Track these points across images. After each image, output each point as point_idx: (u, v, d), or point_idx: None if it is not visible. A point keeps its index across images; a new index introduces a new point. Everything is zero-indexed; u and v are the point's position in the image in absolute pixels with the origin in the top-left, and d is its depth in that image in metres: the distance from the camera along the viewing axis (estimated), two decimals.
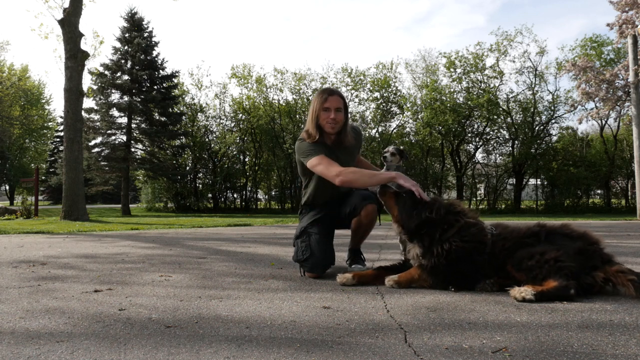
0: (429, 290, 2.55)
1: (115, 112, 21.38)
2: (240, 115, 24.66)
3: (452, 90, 22.84)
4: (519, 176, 22.33)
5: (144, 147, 22.86)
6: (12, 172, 40.39)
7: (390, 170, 3.18)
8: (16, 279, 3.03)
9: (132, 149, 21.97)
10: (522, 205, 22.72)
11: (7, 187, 43.60)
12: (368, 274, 2.78)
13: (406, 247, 2.76)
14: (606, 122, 22.17)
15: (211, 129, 25.26)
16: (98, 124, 21.22)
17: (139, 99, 21.27)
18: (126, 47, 21.95)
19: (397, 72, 26.70)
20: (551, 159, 22.07)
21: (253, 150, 25.08)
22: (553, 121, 22.47)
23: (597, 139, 23.35)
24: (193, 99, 25.09)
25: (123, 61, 21.93)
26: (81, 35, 12.21)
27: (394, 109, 23.79)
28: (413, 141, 23.45)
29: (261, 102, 24.39)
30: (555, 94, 22.15)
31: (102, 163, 21.08)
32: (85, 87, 12.93)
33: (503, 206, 22.78)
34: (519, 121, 22.57)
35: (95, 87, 20.71)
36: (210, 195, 25.76)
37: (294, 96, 24.20)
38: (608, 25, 14.23)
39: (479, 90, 22.23)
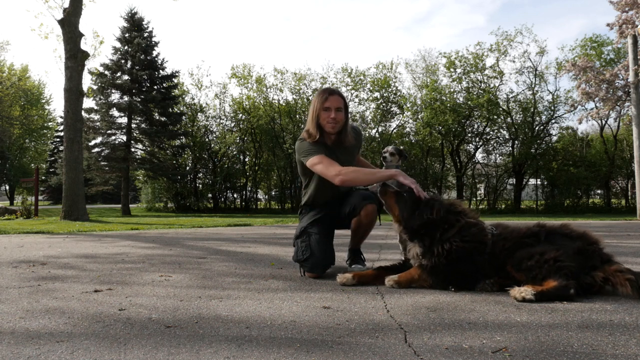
0: (429, 290, 2.55)
1: (115, 112, 21.38)
2: (240, 115, 24.66)
3: (452, 90, 22.85)
4: (519, 176, 22.33)
5: (144, 147, 22.86)
6: (12, 172, 40.39)
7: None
8: (16, 279, 3.03)
9: (132, 149, 21.98)
10: (522, 205, 22.72)
11: (7, 187, 43.60)
12: (368, 274, 2.78)
13: (406, 246, 2.76)
14: (606, 122, 22.19)
15: (211, 129, 25.27)
16: (98, 124, 21.22)
17: (139, 99, 21.27)
18: (126, 47, 21.95)
19: (397, 72, 26.73)
20: (551, 159, 22.07)
21: (253, 150, 25.08)
22: (553, 121, 22.50)
23: (597, 139, 23.35)
24: (193, 99, 25.11)
25: (123, 61, 21.93)
26: (81, 35, 12.22)
27: (394, 109, 23.79)
28: (413, 141, 23.45)
29: (261, 102, 24.39)
30: (555, 94, 22.18)
31: (102, 163, 21.09)
32: (85, 87, 12.94)
33: (503, 206, 22.78)
34: (519, 121, 22.57)
35: (95, 87, 20.71)
36: (210, 195, 25.76)
37: (294, 96, 24.22)
38: (608, 25, 14.23)
39: (479, 90, 22.23)
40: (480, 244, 2.48)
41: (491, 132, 23.28)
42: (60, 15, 12.12)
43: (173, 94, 23.03)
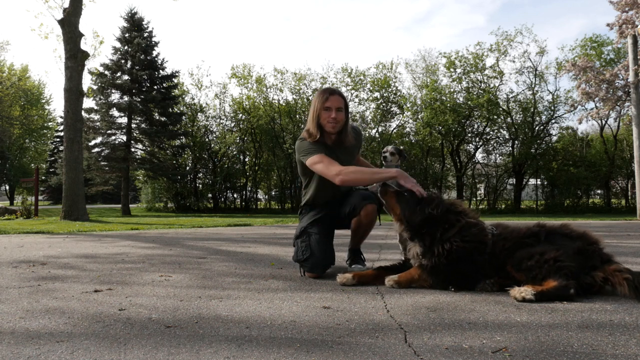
0: (429, 290, 2.55)
1: (115, 112, 21.38)
2: (240, 115, 24.66)
3: (452, 90, 22.85)
4: (519, 176, 22.33)
5: (144, 147, 22.86)
6: (12, 172, 40.40)
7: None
8: (16, 279, 3.03)
9: (132, 149, 21.98)
10: (522, 205, 22.72)
11: (7, 187, 43.61)
12: (368, 274, 2.78)
13: (406, 246, 2.76)
14: (606, 122, 22.19)
15: (211, 129, 25.27)
16: (98, 124, 21.22)
17: (139, 99, 21.27)
18: (126, 47, 21.95)
19: (397, 72, 26.73)
20: (551, 159, 22.07)
21: (253, 150, 25.08)
22: (553, 121, 22.49)
23: (597, 139, 23.35)
24: (193, 99, 25.11)
25: (123, 61, 21.93)
26: (81, 35, 12.22)
27: (394, 109, 23.79)
28: (413, 141, 23.45)
29: (261, 102, 24.39)
30: (555, 94, 22.18)
31: (102, 163, 21.08)
32: (85, 87, 12.94)
33: (503, 206, 22.78)
34: (519, 121, 22.57)
35: (95, 87, 20.72)
36: (210, 195, 25.76)
37: (294, 96, 24.22)
38: (608, 25, 14.23)
39: (479, 90, 22.23)
40: (481, 244, 2.48)
41: (491, 132, 23.29)
42: (60, 15, 12.13)
43: (173, 94, 23.03)
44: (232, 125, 25.11)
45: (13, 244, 5.47)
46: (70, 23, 11.95)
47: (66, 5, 12.15)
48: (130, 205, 22.35)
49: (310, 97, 23.15)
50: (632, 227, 8.78)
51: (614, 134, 22.10)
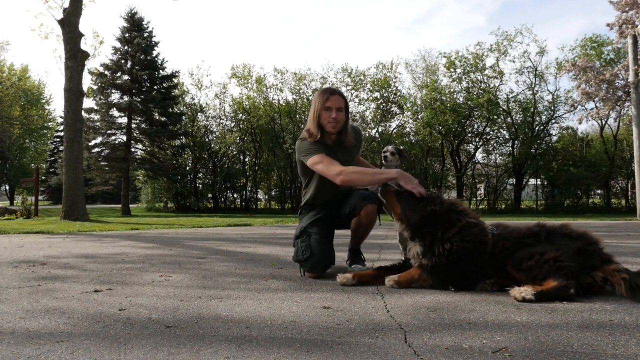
0: (429, 290, 2.55)
1: (115, 112, 21.39)
2: (240, 115, 24.66)
3: (452, 90, 22.85)
4: (519, 176, 22.33)
5: (144, 147, 22.86)
6: (12, 172, 40.40)
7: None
8: (16, 279, 3.03)
9: (132, 149, 21.98)
10: (522, 205, 22.72)
11: (7, 187, 43.61)
12: (368, 274, 2.78)
13: (406, 246, 2.76)
14: (606, 122, 22.19)
15: (211, 129, 25.27)
16: (98, 124, 21.22)
17: (139, 99, 21.27)
18: (126, 47, 21.95)
19: (397, 72, 26.74)
20: (551, 159, 22.07)
21: (253, 150, 25.08)
22: (553, 121, 22.50)
23: (597, 139, 23.35)
24: (193, 99, 25.12)
25: (123, 61, 21.94)
26: (81, 35, 12.22)
27: (394, 109, 23.79)
28: (413, 141, 23.45)
29: (261, 102, 24.39)
30: (555, 94, 22.18)
31: (102, 163, 21.09)
32: (85, 87, 12.94)
33: (503, 206, 22.78)
34: (519, 121, 22.57)
35: (95, 87, 20.72)
36: (210, 195, 25.76)
37: (294, 96, 24.23)
38: (608, 25, 14.23)
39: (479, 90, 22.23)
40: (481, 244, 2.48)
41: (491, 132, 23.29)
42: (60, 15, 12.13)
43: (173, 94, 23.03)
44: (232, 125, 25.12)
45: (13, 244, 5.47)
46: (70, 23, 11.95)
47: (66, 5, 12.16)
48: (130, 205, 22.36)
49: (310, 97, 23.15)
50: (632, 227, 8.78)
51: (614, 134, 22.10)
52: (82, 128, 12.86)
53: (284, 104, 24.17)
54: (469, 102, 21.67)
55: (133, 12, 22.34)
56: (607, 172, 21.04)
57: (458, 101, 22.37)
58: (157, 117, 21.99)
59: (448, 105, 21.89)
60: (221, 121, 25.22)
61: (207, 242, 5.76)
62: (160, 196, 24.84)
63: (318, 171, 2.98)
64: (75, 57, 11.91)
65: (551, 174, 22.01)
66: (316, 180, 3.15)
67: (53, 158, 42.58)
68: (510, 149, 22.82)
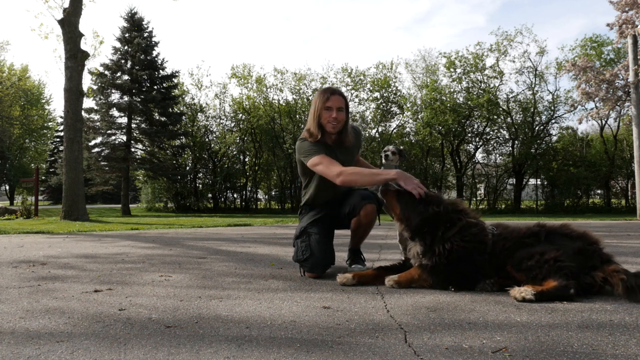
0: (429, 290, 2.54)
1: (115, 112, 21.39)
2: (240, 115, 24.67)
3: (452, 90, 22.85)
4: (519, 176, 22.33)
5: (144, 147, 22.87)
6: (12, 172, 40.40)
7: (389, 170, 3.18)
8: (16, 279, 3.03)
9: (132, 149, 21.98)
10: (522, 205, 22.72)
11: (7, 187, 43.61)
12: (368, 274, 2.78)
13: (406, 246, 2.76)
14: (606, 122, 22.19)
15: (211, 129, 25.28)
16: (98, 124, 21.23)
17: (139, 99, 21.28)
18: (126, 47, 21.95)
19: (397, 72, 26.74)
20: (551, 159, 22.07)
21: (253, 150, 25.08)
22: (553, 121, 22.50)
23: (597, 139, 23.35)
24: (193, 99, 25.12)
25: (123, 61, 21.94)
26: (81, 35, 12.22)
27: (394, 109, 23.79)
28: (413, 141, 23.45)
29: (261, 102, 24.39)
30: (555, 94, 22.19)
31: (102, 163, 21.09)
32: (85, 87, 12.94)
33: (503, 206, 22.78)
34: (519, 121, 22.58)
35: (95, 87, 20.72)
36: (210, 195, 25.77)
37: (294, 96, 24.23)
38: (608, 25, 14.23)
39: (479, 90, 22.23)
40: (481, 244, 2.48)
41: (491, 132, 23.29)
42: (60, 15, 12.13)
43: (173, 94, 23.04)
44: (232, 125, 25.12)
45: (13, 244, 5.47)
46: (70, 23, 11.95)
47: (66, 5, 12.16)
48: (130, 205, 22.36)
49: (310, 97, 23.15)
50: (632, 227, 8.78)
51: (614, 134, 22.10)
52: (82, 128, 12.86)
53: (284, 104, 24.17)
54: (469, 102, 21.67)
55: (133, 12, 22.35)
56: (607, 172, 21.04)
57: (458, 101, 22.37)
58: (157, 117, 21.99)
59: (448, 105, 21.89)
60: (221, 121, 25.24)
61: (207, 242, 5.76)
62: (160, 196, 24.84)
63: (318, 172, 2.99)
64: (75, 57, 11.91)
65: (551, 174, 22.01)
66: (316, 181, 3.15)
67: (53, 158, 42.58)
68: (510, 149, 22.83)
